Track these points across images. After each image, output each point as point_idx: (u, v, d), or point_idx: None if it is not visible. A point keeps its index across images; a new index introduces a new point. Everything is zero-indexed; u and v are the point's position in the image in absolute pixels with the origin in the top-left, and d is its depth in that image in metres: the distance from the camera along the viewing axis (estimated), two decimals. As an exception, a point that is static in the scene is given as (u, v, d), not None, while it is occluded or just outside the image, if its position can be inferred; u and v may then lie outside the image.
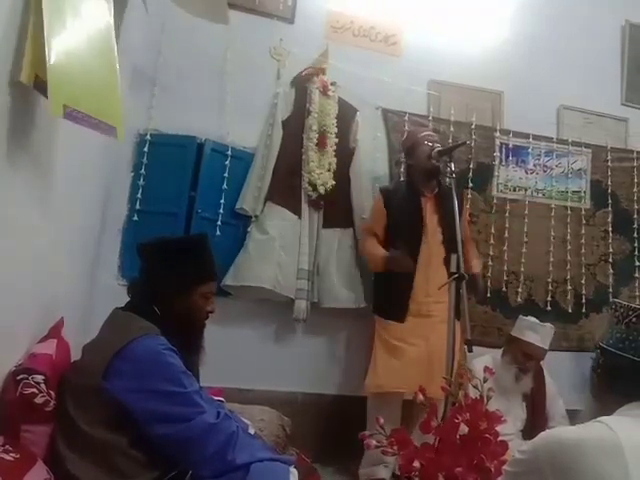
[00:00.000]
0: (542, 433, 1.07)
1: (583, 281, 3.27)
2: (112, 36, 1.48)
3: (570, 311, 3.24)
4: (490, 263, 3.15)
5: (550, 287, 3.22)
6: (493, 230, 3.18)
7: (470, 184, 3.17)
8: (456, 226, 2.24)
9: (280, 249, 2.80)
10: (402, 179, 2.96)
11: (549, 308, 3.19)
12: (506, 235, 3.19)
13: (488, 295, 3.12)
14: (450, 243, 2.64)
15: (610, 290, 3.29)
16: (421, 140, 2.64)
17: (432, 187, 2.68)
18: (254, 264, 2.75)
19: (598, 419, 1.03)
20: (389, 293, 2.63)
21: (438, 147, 2.57)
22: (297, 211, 2.87)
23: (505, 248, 3.18)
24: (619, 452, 0.94)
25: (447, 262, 2.62)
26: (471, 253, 2.78)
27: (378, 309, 2.69)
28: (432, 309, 2.54)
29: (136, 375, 1.32)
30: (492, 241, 3.17)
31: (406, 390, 2.46)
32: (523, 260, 3.19)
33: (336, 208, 2.90)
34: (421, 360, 2.48)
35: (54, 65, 1.13)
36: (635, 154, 3.45)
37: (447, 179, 2.77)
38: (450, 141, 3.07)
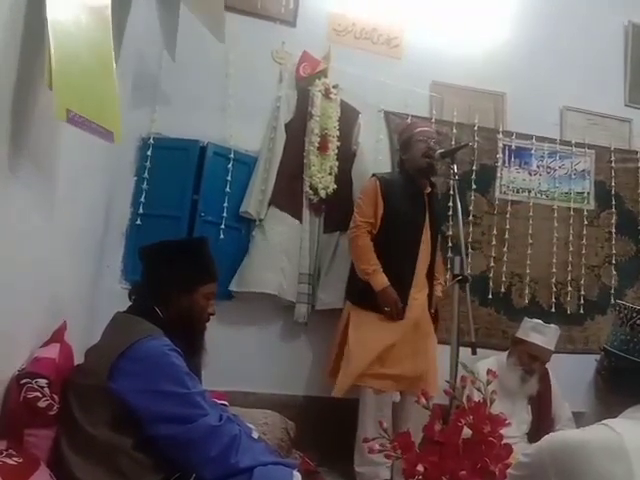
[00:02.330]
0: (546, 436, 1.06)
1: (588, 283, 3.26)
2: (110, 42, 1.49)
3: (574, 313, 3.23)
4: (493, 265, 3.14)
5: (554, 289, 3.21)
6: (496, 232, 3.17)
7: (473, 186, 3.16)
8: (459, 228, 2.24)
9: (282, 254, 2.81)
10: (397, 170, 2.85)
11: (553, 310, 3.18)
12: (510, 237, 3.18)
13: (489, 296, 3.13)
14: (436, 243, 2.66)
15: (614, 292, 3.27)
16: (417, 136, 2.61)
17: (424, 185, 2.66)
18: (258, 269, 2.76)
19: (603, 422, 1.02)
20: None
21: (433, 144, 2.57)
22: (298, 216, 2.87)
23: (509, 250, 3.17)
24: (624, 454, 0.93)
25: (433, 262, 2.64)
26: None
27: (365, 301, 2.55)
28: (415, 308, 2.55)
29: (141, 375, 1.32)
30: (495, 243, 3.16)
31: (383, 388, 2.48)
32: (527, 262, 3.18)
33: (337, 211, 2.89)
34: (402, 358, 2.48)
35: (58, 69, 1.14)
36: (639, 155, 3.43)
37: (450, 181, 2.78)
38: (453, 143, 3.07)
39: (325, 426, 2.63)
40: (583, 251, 3.27)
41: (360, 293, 2.58)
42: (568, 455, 0.98)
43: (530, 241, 3.20)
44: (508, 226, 3.18)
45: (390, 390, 2.55)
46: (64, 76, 1.17)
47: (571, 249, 3.25)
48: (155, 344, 1.37)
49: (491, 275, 3.14)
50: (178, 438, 1.32)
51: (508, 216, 3.19)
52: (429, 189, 2.67)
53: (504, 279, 3.15)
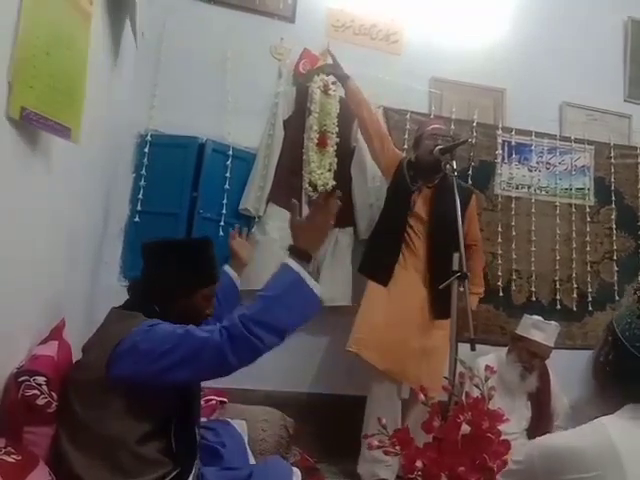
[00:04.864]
0: (534, 441, 1.06)
1: (587, 279, 3.26)
2: (87, 39, 1.46)
3: (574, 309, 3.23)
4: (492, 261, 3.14)
5: (554, 285, 3.21)
6: (496, 228, 3.16)
7: (471, 182, 3.15)
8: (458, 224, 2.23)
9: (281, 250, 2.80)
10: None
11: (553, 306, 3.18)
12: (509, 233, 3.18)
13: (488, 293, 3.11)
14: (443, 237, 2.66)
15: (615, 288, 3.28)
16: (428, 133, 2.64)
17: (432, 180, 2.66)
18: (258, 267, 2.74)
19: (596, 421, 1.01)
20: (377, 254, 2.69)
21: (440, 145, 2.56)
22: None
23: (508, 246, 3.17)
24: (615, 457, 0.92)
25: (444, 259, 2.59)
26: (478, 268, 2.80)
27: (366, 268, 2.73)
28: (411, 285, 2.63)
29: (135, 350, 1.30)
30: (495, 239, 3.15)
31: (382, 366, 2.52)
32: (526, 258, 3.18)
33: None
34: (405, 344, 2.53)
35: (18, 65, 1.11)
36: (638, 151, 3.43)
37: (448, 177, 2.77)
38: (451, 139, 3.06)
39: (327, 423, 2.64)
40: (583, 247, 3.27)
41: (369, 264, 2.71)
42: (559, 460, 0.97)
43: (531, 237, 3.19)
44: (507, 222, 3.18)
45: (395, 376, 2.55)
46: (25, 74, 1.14)
47: (571, 245, 3.25)
48: (141, 327, 1.35)
49: (490, 271, 3.13)
50: (197, 374, 1.34)
51: (507, 212, 3.19)
52: (435, 182, 2.67)
53: (503, 275, 3.15)
